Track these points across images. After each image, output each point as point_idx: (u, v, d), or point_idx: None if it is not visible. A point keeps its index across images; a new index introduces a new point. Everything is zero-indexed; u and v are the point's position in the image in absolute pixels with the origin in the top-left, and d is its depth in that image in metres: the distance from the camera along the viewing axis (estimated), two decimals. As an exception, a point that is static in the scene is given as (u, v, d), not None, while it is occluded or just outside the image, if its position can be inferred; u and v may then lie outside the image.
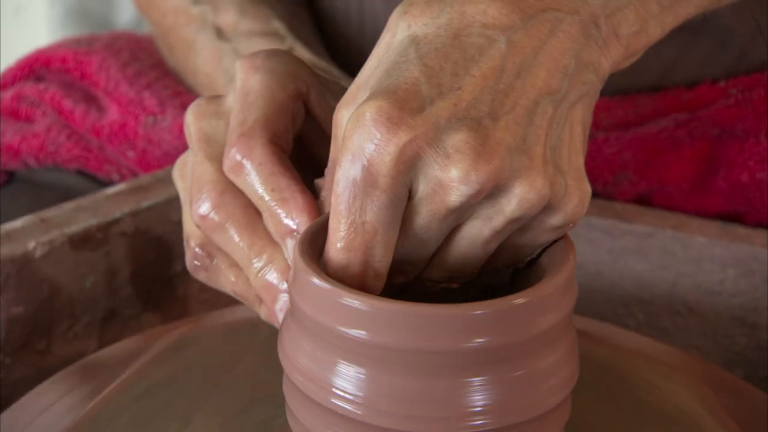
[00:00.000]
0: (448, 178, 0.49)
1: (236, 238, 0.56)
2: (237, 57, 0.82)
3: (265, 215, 0.56)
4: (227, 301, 0.77)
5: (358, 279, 0.51)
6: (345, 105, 0.52)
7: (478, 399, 0.47)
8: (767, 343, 0.76)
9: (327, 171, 0.55)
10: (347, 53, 0.89)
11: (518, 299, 0.48)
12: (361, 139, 0.49)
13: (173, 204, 0.75)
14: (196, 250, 0.59)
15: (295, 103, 0.59)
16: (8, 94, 0.89)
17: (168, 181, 0.76)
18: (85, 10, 1.81)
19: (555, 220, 0.51)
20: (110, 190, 0.74)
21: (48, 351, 0.71)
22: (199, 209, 0.57)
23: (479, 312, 0.47)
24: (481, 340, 0.47)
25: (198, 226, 0.58)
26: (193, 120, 0.59)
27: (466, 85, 0.49)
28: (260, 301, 0.58)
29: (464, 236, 0.51)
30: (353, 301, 0.48)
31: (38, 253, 0.70)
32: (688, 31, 0.81)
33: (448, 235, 0.51)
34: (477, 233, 0.51)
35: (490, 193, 0.49)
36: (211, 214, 0.57)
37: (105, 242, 0.72)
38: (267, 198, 0.56)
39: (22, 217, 0.71)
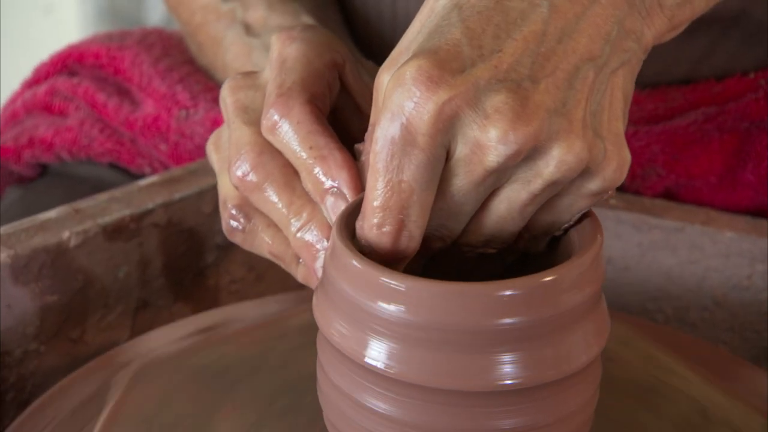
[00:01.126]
0: (487, 138, 0.49)
1: (275, 198, 0.57)
2: (266, 52, 0.82)
3: (304, 174, 0.57)
4: (257, 292, 0.78)
5: (393, 239, 0.51)
6: (387, 68, 0.53)
7: (507, 373, 0.48)
8: (795, 338, 0.76)
9: (367, 135, 0.55)
10: (380, 51, 0.90)
11: (547, 277, 0.48)
12: (401, 97, 0.49)
13: (205, 196, 0.75)
14: (233, 211, 0.59)
15: (331, 72, 0.59)
16: (42, 89, 0.90)
17: (200, 173, 0.76)
18: (115, 9, 1.82)
19: (593, 185, 0.51)
20: (143, 182, 0.75)
21: (81, 340, 0.72)
22: (238, 170, 0.57)
23: (508, 292, 0.47)
24: (510, 320, 0.47)
25: (236, 188, 0.58)
26: (229, 93, 0.60)
27: (508, 48, 0.50)
28: (297, 261, 0.58)
29: (502, 200, 0.52)
30: (389, 280, 0.48)
31: (72, 243, 0.71)
32: (718, 25, 0.81)
33: (486, 199, 0.52)
34: (515, 197, 0.51)
35: (528, 155, 0.50)
36: (250, 175, 0.57)
37: (138, 233, 0.73)
38: (305, 156, 0.56)
39: (57, 208, 0.72)
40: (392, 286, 0.49)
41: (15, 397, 0.70)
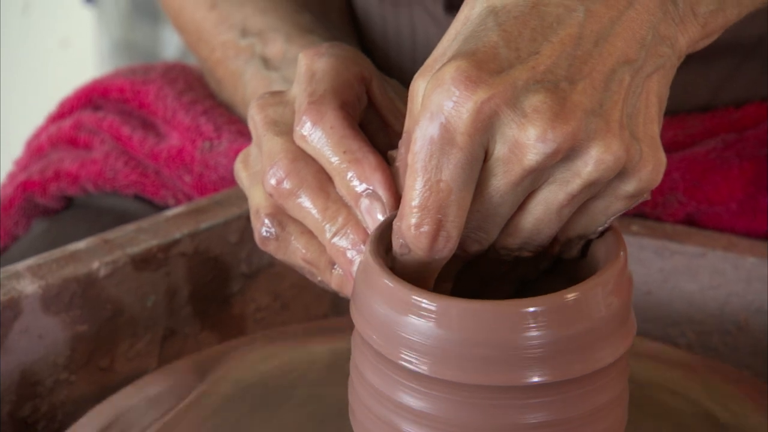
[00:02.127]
0: (525, 137, 0.50)
1: (309, 204, 0.57)
2: (286, 84, 0.84)
3: (337, 178, 0.57)
4: (282, 320, 0.79)
5: (431, 239, 0.51)
6: (421, 75, 0.53)
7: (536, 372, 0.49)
8: (817, 362, 0.77)
9: (401, 142, 0.56)
10: (400, 81, 0.91)
11: (570, 294, 0.49)
12: (440, 97, 0.50)
13: (231, 226, 0.76)
14: (266, 220, 0.59)
15: (359, 85, 0.60)
16: (67, 123, 0.92)
17: (225, 203, 0.78)
18: (131, 44, 1.84)
19: (629, 186, 0.52)
20: (170, 213, 0.76)
21: (111, 368, 0.73)
22: (272, 178, 0.58)
23: (532, 309, 0.49)
24: (536, 333, 0.48)
25: (271, 195, 0.58)
26: (257, 110, 0.61)
27: (545, 50, 0.50)
28: (331, 268, 0.58)
29: (539, 202, 0.52)
30: (420, 299, 0.50)
31: (102, 273, 0.72)
32: (737, 53, 0.82)
33: (523, 201, 0.52)
34: (552, 198, 0.52)
35: (566, 155, 0.50)
36: (285, 182, 0.58)
37: (165, 262, 0.74)
38: (339, 160, 0.57)
39: (86, 239, 0.73)
40: (423, 304, 0.50)
41: (46, 426, 0.71)
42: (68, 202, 0.91)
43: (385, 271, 0.51)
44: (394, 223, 0.53)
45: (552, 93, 0.50)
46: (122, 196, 0.89)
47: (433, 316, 0.50)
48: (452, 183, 0.51)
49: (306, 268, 0.60)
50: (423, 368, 0.50)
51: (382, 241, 0.54)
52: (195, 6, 0.89)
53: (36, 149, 0.93)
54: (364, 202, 0.56)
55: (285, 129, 0.59)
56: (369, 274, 0.52)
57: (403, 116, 0.57)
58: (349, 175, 0.57)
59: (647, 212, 0.80)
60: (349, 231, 0.57)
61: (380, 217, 0.57)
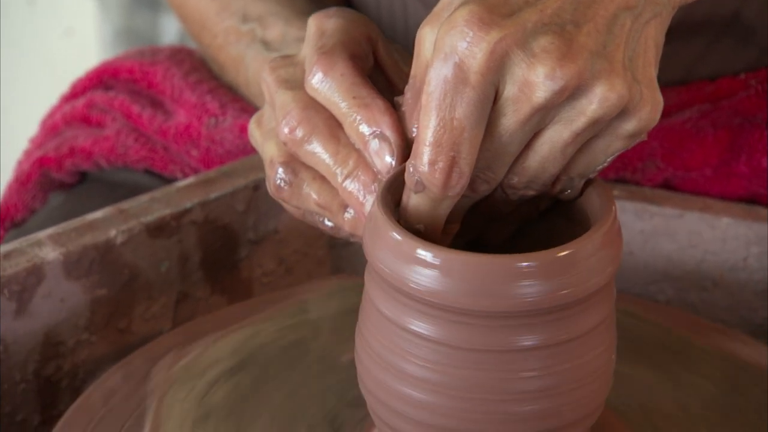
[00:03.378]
0: (535, 76, 0.53)
1: (321, 149, 0.60)
2: None
3: (347, 123, 0.60)
4: (287, 283, 0.84)
5: (445, 175, 0.54)
6: (429, 22, 0.56)
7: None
8: (789, 315, 0.82)
9: (407, 88, 0.59)
10: None
11: (563, 251, 0.54)
12: (454, 38, 0.53)
13: (238, 195, 0.81)
14: (280, 169, 0.62)
15: (367, 44, 0.63)
16: (80, 103, 0.96)
17: (233, 174, 0.82)
18: (131, 31, 1.88)
19: (629, 125, 0.55)
20: (181, 183, 0.81)
21: (128, 330, 0.78)
22: (285, 126, 0.61)
23: (526, 263, 0.53)
24: (528, 282, 0.54)
25: (285, 144, 0.61)
26: (269, 72, 0.63)
27: None
28: (343, 210, 0.61)
29: (545, 141, 0.55)
30: (425, 252, 0.54)
31: (119, 240, 0.77)
32: (712, 30, 0.87)
33: (529, 141, 0.56)
34: (558, 137, 0.55)
35: (571, 94, 0.53)
36: (297, 129, 0.60)
37: (178, 230, 0.79)
38: (348, 105, 0.59)
39: (103, 209, 0.78)
40: (427, 259, 0.54)
41: (69, 384, 0.76)
42: (82, 177, 0.95)
43: (392, 222, 0.55)
44: (407, 162, 0.56)
45: (559, 35, 0.53)
46: (133, 171, 0.93)
47: (436, 269, 0.54)
48: (465, 121, 0.53)
49: (319, 213, 0.63)
50: (431, 298, 0.54)
51: (391, 193, 0.57)
52: None
53: (51, 127, 0.97)
54: (373, 144, 0.59)
55: (296, 85, 0.62)
56: (377, 226, 0.56)
57: (407, 77, 0.60)
58: (359, 119, 0.59)
59: (627, 177, 0.85)
60: (359, 173, 0.60)
61: (388, 159, 0.59)
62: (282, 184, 0.63)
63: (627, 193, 0.82)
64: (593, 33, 0.54)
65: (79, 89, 0.98)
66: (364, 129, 0.60)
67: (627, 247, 0.83)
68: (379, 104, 0.60)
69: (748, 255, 0.81)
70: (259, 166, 0.81)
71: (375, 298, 0.57)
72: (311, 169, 0.62)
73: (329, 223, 0.63)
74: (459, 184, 0.55)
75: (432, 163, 0.55)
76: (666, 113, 0.87)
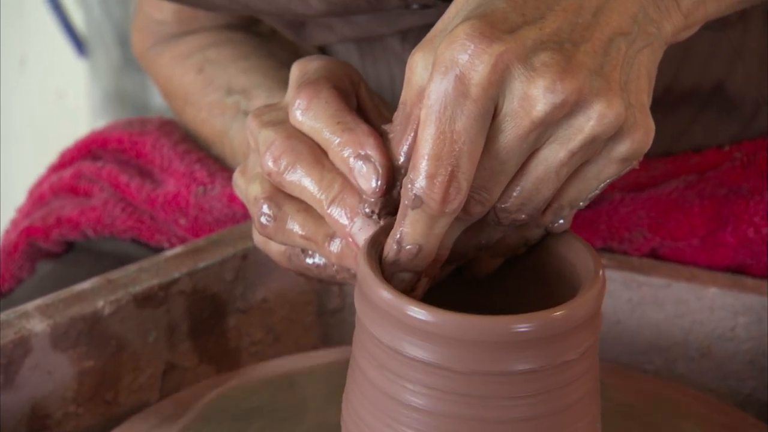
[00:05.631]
0: (535, 89, 0.53)
1: (305, 177, 0.60)
2: None
3: (332, 147, 0.59)
4: (275, 352, 0.84)
5: (443, 189, 0.54)
6: (421, 48, 0.56)
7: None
8: (777, 385, 0.82)
9: (395, 115, 0.59)
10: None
11: (557, 312, 0.55)
12: (455, 51, 0.53)
13: (226, 264, 0.81)
14: (264, 205, 0.62)
15: (350, 85, 0.63)
16: (68, 173, 0.96)
17: (221, 243, 0.82)
18: (121, 94, 1.90)
19: (623, 147, 0.56)
20: (169, 253, 0.81)
21: (115, 401, 0.78)
22: (269, 158, 0.60)
23: (523, 328, 0.54)
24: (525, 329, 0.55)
25: (269, 175, 0.60)
26: (252, 118, 0.63)
27: (549, 16, 0.54)
28: (329, 241, 0.61)
29: (540, 161, 0.56)
30: (417, 314, 0.54)
31: (106, 311, 0.77)
32: (696, 102, 0.88)
33: (524, 163, 0.56)
34: (553, 157, 0.55)
35: (569, 111, 0.54)
36: (281, 159, 0.60)
37: (166, 300, 0.79)
38: (332, 130, 0.59)
39: (91, 279, 0.78)
40: (416, 316, 0.54)
41: (55, 456, 0.76)
42: (69, 246, 0.96)
43: (381, 281, 0.55)
44: (404, 179, 0.55)
45: (558, 52, 0.54)
46: (120, 240, 0.94)
47: (429, 327, 0.54)
48: (465, 134, 0.53)
49: (305, 246, 0.62)
50: (429, 328, 0.54)
51: (375, 249, 0.57)
52: (183, 72, 0.94)
53: (38, 197, 0.98)
54: (357, 166, 0.59)
55: (279, 123, 0.62)
56: (364, 285, 0.56)
57: (388, 122, 0.60)
58: (343, 142, 0.59)
59: (614, 247, 0.85)
60: (345, 196, 0.59)
61: (374, 181, 0.59)
62: (266, 221, 0.62)
63: (614, 262, 0.83)
64: (591, 53, 0.55)
65: (67, 159, 0.98)
66: (349, 152, 0.59)
67: (615, 315, 0.83)
68: (363, 128, 0.60)
69: (736, 325, 0.81)
70: (248, 234, 0.82)
71: (363, 366, 0.57)
72: (295, 201, 0.62)
73: (316, 260, 0.63)
74: (457, 199, 0.55)
75: (431, 176, 0.54)
76: (652, 183, 0.88)
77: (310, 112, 0.61)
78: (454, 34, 0.54)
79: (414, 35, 0.85)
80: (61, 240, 0.94)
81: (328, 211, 0.60)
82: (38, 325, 0.74)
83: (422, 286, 0.60)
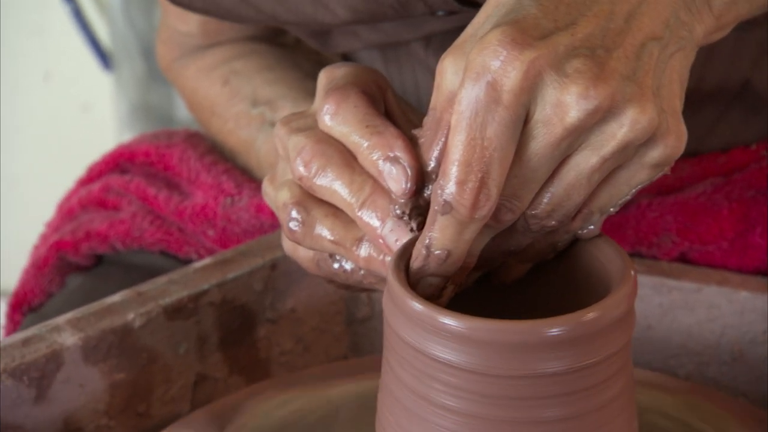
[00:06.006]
0: (568, 96, 0.53)
1: (336, 180, 0.60)
2: None
3: (361, 150, 0.59)
4: (304, 362, 0.84)
5: (473, 196, 0.54)
6: (451, 53, 0.56)
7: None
8: (811, 388, 0.81)
9: (425, 120, 0.59)
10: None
11: (589, 313, 0.54)
12: (487, 57, 0.53)
13: (255, 275, 0.81)
14: (292, 210, 0.62)
15: (378, 91, 0.63)
16: (96, 187, 0.97)
17: (249, 254, 0.83)
18: (147, 106, 1.90)
19: (655, 152, 0.55)
20: (198, 264, 0.81)
21: (147, 414, 0.78)
22: (300, 163, 0.60)
23: (555, 331, 0.54)
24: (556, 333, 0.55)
25: (300, 180, 0.60)
26: (281, 125, 0.63)
27: (581, 22, 0.54)
28: (357, 245, 0.61)
29: (572, 167, 0.55)
30: (447, 321, 0.54)
31: (137, 323, 0.77)
32: (722, 101, 0.88)
33: (556, 168, 0.55)
34: (585, 163, 0.55)
35: (602, 117, 0.53)
36: (311, 163, 0.60)
37: (195, 312, 0.79)
38: (362, 134, 0.59)
39: (121, 292, 0.78)
40: (447, 324, 0.54)
41: (88, 469, 0.76)
42: (98, 260, 0.96)
43: (409, 292, 0.55)
44: (434, 186, 0.55)
45: (590, 59, 0.53)
46: (149, 253, 0.94)
47: (456, 336, 0.54)
48: (496, 140, 0.53)
49: (333, 251, 0.62)
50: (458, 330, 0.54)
51: (404, 262, 0.57)
52: (209, 84, 0.94)
53: (67, 211, 0.98)
54: (387, 168, 0.59)
55: (308, 129, 0.62)
56: (393, 295, 0.56)
57: (416, 128, 0.60)
58: (372, 145, 0.59)
59: (643, 252, 0.85)
60: (376, 199, 0.59)
61: (404, 182, 0.59)
62: (294, 226, 0.62)
63: (644, 267, 0.83)
64: (623, 59, 0.54)
65: (95, 173, 0.99)
66: (378, 155, 0.59)
67: (645, 320, 0.83)
68: (391, 131, 0.60)
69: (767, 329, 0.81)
70: (276, 245, 0.82)
71: (397, 371, 0.57)
72: (324, 205, 0.62)
73: (345, 265, 0.63)
74: (486, 206, 0.55)
75: (461, 182, 0.54)
76: (679, 187, 0.87)
77: (338, 117, 0.61)
78: (485, 41, 0.54)
79: (438, 41, 0.85)
80: (91, 253, 0.95)
81: (359, 214, 0.60)
82: (69, 339, 0.74)
83: (448, 294, 0.60)
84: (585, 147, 0.55)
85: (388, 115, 0.64)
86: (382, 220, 0.59)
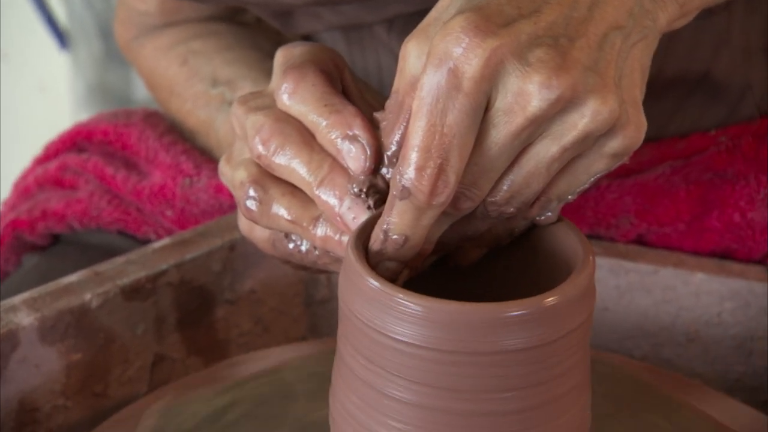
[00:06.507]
0: (530, 85, 0.53)
1: (295, 158, 0.60)
2: None
3: (320, 129, 0.59)
4: (263, 343, 0.84)
5: (431, 182, 0.54)
6: (415, 37, 0.56)
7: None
8: (765, 369, 0.82)
9: (388, 103, 0.59)
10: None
11: (549, 298, 0.54)
12: (449, 44, 0.53)
13: (214, 256, 0.81)
14: (249, 189, 0.61)
15: (335, 69, 0.62)
16: (53, 165, 0.96)
17: (208, 235, 0.82)
18: (105, 87, 1.89)
19: (615, 143, 0.56)
20: (156, 245, 0.81)
21: (104, 394, 0.78)
22: (258, 142, 0.60)
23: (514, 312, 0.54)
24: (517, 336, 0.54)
25: (258, 158, 0.60)
26: (238, 105, 0.63)
27: (544, 9, 0.54)
28: (314, 225, 0.61)
29: (532, 156, 0.55)
30: (404, 300, 0.54)
31: (94, 303, 0.76)
32: (683, 88, 0.88)
33: (516, 157, 0.55)
34: (545, 152, 0.55)
35: (563, 107, 0.53)
36: (270, 141, 0.60)
37: (153, 292, 0.79)
38: (320, 113, 0.59)
39: (78, 272, 0.78)
40: (407, 305, 0.54)
41: (44, 450, 0.76)
42: (55, 239, 0.96)
43: (368, 269, 0.55)
44: (393, 170, 0.55)
45: (553, 48, 0.53)
46: (106, 232, 0.94)
47: (416, 317, 0.54)
48: (456, 128, 0.53)
49: (290, 230, 0.62)
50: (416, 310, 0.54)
51: (362, 240, 0.57)
52: (167, 64, 0.94)
53: (23, 190, 0.97)
54: (346, 146, 0.59)
55: (266, 107, 0.62)
56: (351, 273, 0.56)
57: (372, 107, 0.60)
58: (331, 124, 0.59)
59: (601, 233, 0.85)
60: (334, 177, 0.59)
61: (363, 162, 0.59)
62: (251, 205, 0.62)
63: (601, 249, 0.83)
64: (586, 48, 0.54)
65: (51, 152, 0.98)
66: (336, 133, 0.59)
67: (602, 302, 0.83)
68: (350, 109, 0.60)
69: (722, 310, 0.82)
70: (235, 225, 0.82)
71: (348, 360, 0.57)
72: (281, 184, 0.62)
73: (300, 245, 0.63)
74: (444, 193, 0.55)
75: (419, 168, 0.54)
76: (638, 169, 0.88)
77: (297, 96, 0.61)
78: (449, 27, 0.53)
79: (400, 23, 0.85)
80: (47, 233, 0.94)
81: (317, 192, 0.60)
82: (26, 319, 0.74)
83: (403, 278, 0.60)
84: (545, 136, 0.55)
85: (345, 94, 0.64)
86: (340, 199, 0.59)
